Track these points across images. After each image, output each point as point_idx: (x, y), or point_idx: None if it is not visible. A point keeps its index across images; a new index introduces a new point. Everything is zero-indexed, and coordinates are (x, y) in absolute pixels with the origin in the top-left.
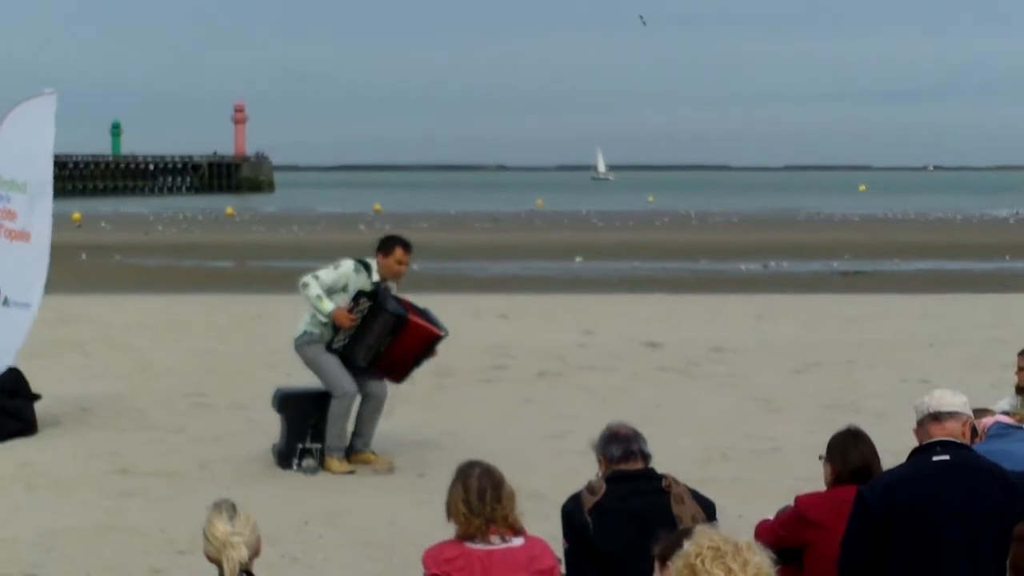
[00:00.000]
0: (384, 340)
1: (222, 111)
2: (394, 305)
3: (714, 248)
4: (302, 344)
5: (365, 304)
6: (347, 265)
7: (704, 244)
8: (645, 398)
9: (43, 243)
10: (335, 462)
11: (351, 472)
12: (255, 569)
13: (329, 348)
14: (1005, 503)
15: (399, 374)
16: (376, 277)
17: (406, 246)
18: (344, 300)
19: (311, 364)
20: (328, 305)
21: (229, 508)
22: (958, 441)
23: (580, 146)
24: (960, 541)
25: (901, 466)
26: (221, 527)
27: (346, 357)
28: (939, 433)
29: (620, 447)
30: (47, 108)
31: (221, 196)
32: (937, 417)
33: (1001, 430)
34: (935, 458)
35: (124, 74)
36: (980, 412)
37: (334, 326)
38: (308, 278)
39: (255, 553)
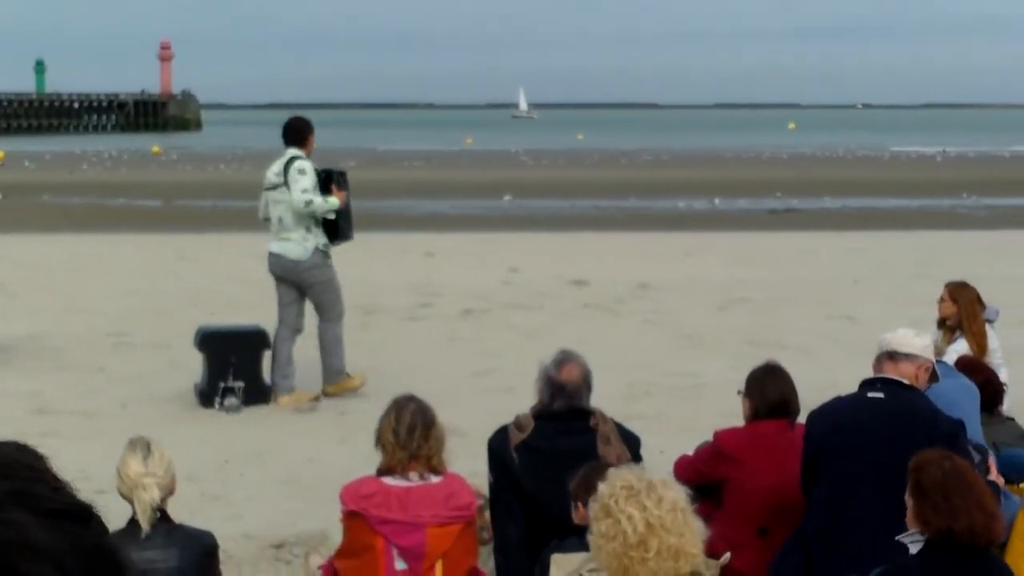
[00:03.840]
0: (349, 202)
1: (148, 48)
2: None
3: (643, 186)
4: (316, 265)
5: (340, 179)
6: (307, 164)
7: (633, 182)
8: (570, 335)
9: None
10: (352, 379)
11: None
12: (171, 506)
13: (333, 240)
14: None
15: None
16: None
17: None
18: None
19: (325, 284)
20: (333, 198)
21: (144, 447)
22: (904, 382)
23: (511, 84)
24: (868, 479)
25: (841, 397)
26: (134, 466)
27: (345, 238)
28: (891, 372)
29: (563, 403)
30: None
31: (147, 135)
32: (893, 356)
33: None
34: (870, 394)
35: (48, 11)
36: None
37: (333, 219)
38: (306, 196)
39: (169, 492)
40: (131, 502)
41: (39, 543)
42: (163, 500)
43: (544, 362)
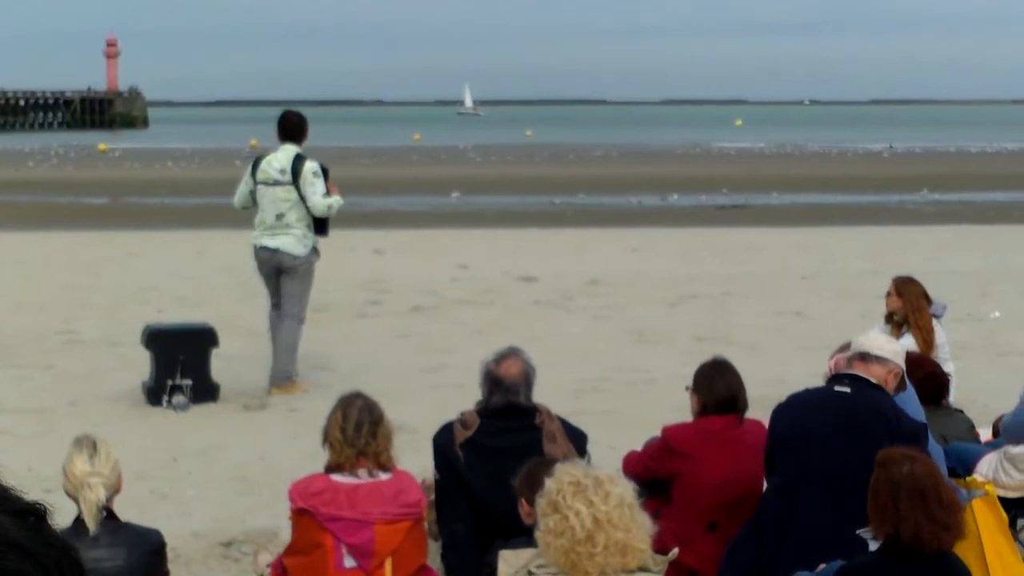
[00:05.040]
0: None
1: (95, 45)
2: None
3: (592, 182)
4: (310, 261)
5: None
6: (317, 165)
7: (582, 178)
8: (519, 331)
9: None
10: (297, 385)
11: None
12: (119, 505)
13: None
14: (887, 446)
15: None
16: None
17: None
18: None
19: (307, 280)
20: (338, 197)
21: (90, 445)
22: (871, 380)
23: (459, 81)
24: (820, 470)
25: (809, 389)
26: (80, 465)
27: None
28: (861, 372)
29: (502, 397)
30: None
31: (94, 132)
32: (864, 357)
33: None
34: (836, 388)
35: None
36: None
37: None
38: (328, 201)
39: (115, 491)
40: (77, 501)
41: (20, 541)
42: (109, 499)
43: (486, 358)
